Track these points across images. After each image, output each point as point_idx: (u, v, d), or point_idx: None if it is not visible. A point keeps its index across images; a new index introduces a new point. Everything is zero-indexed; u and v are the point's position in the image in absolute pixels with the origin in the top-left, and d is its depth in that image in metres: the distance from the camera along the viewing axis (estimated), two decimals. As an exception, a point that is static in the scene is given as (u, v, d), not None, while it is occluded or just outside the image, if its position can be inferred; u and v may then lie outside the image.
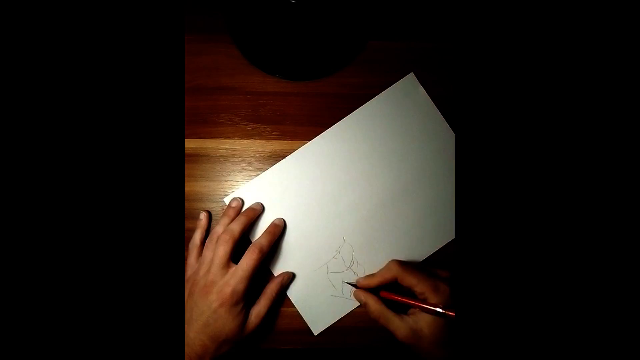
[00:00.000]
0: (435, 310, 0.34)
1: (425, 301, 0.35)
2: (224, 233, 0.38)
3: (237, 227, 0.39)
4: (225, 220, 0.40)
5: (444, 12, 0.45)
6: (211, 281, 0.36)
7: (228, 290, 0.36)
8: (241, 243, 0.39)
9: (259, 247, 0.38)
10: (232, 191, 0.43)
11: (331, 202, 0.42)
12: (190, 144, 0.43)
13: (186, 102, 0.43)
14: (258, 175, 0.43)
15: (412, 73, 0.44)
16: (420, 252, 0.42)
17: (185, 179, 0.43)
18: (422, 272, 0.37)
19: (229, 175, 0.43)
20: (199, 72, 0.44)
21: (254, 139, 0.43)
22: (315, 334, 0.42)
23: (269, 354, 0.42)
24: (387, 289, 0.39)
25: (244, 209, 0.42)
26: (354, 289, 0.40)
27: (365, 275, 0.41)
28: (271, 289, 0.40)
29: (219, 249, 0.37)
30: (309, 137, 0.43)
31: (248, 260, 0.37)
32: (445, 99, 0.44)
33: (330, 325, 0.42)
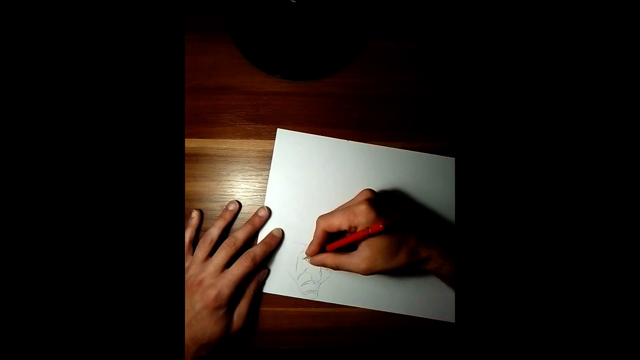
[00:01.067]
0: (366, 234, 0.34)
1: (355, 230, 0.35)
2: (229, 239, 0.39)
3: (242, 235, 0.39)
4: (220, 223, 0.40)
5: (444, 13, 0.45)
6: (199, 280, 0.36)
7: (213, 292, 0.35)
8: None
9: (252, 257, 0.38)
10: (232, 191, 0.43)
11: (343, 200, 0.42)
12: (190, 144, 0.43)
13: (186, 102, 0.43)
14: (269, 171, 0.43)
15: (454, 159, 0.43)
16: (386, 306, 0.42)
17: (185, 179, 0.43)
18: (339, 210, 0.37)
19: (229, 175, 0.43)
20: (199, 72, 0.44)
21: (254, 139, 0.43)
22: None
23: (269, 354, 0.42)
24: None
25: (260, 213, 0.41)
26: (310, 266, 0.40)
27: (306, 247, 0.40)
28: (250, 289, 0.39)
29: (220, 252, 0.38)
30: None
31: (239, 267, 0.37)
32: (445, 99, 0.44)
33: (330, 326, 0.42)
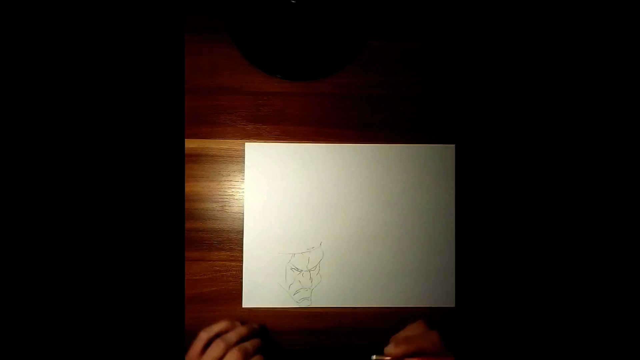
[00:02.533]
0: None
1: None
2: (240, 349, 0.36)
3: (251, 348, 0.37)
4: (242, 331, 0.38)
5: (444, 13, 0.45)
6: None
7: None
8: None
9: (244, 350, 0.36)
10: (232, 191, 0.43)
11: (329, 206, 0.42)
12: (190, 144, 0.43)
13: (186, 102, 0.43)
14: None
15: (454, 145, 0.43)
16: (382, 301, 0.42)
17: (185, 179, 0.43)
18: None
19: (229, 175, 0.43)
20: (199, 72, 0.44)
21: (254, 139, 0.43)
22: (243, 306, 0.41)
23: (269, 354, 0.42)
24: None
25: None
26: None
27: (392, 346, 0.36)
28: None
29: (213, 351, 0.36)
30: (308, 137, 0.43)
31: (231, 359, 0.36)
32: (445, 99, 0.44)
33: (330, 325, 0.42)
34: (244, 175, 0.43)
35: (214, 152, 0.43)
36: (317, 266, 0.42)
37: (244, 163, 0.43)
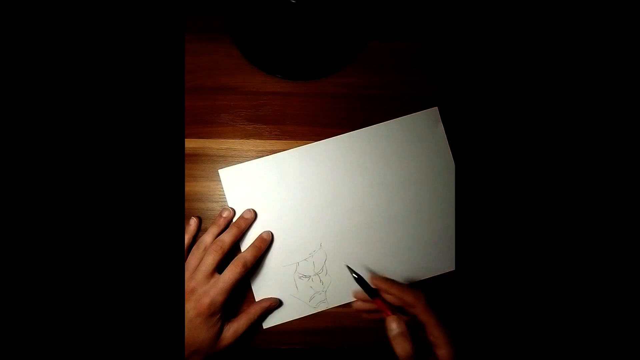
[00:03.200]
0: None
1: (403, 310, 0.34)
2: (215, 243, 0.38)
3: (228, 238, 0.39)
4: (214, 230, 0.40)
5: (444, 12, 0.45)
6: (192, 288, 0.36)
7: (206, 300, 0.35)
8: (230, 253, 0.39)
9: (243, 262, 0.38)
10: (227, 202, 0.43)
11: (319, 206, 0.42)
12: (190, 144, 0.43)
13: (186, 102, 0.43)
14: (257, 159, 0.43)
15: (436, 108, 0.43)
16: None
17: (185, 179, 0.43)
18: (439, 319, 0.33)
19: (229, 175, 0.43)
20: (199, 72, 0.44)
21: (254, 139, 0.43)
22: (265, 327, 0.41)
23: (269, 354, 0.42)
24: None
25: (236, 217, 0.41)
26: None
27: (380, 278, 0.38)
28: (255, 310, 0.39)
29: (207, 258, 0.37)
30: (308, 137, 0.43)
31: (231, 273, 0.37)
32: (446, 99, 0.44)
33: (330, 325, 0.42)
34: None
35: (214, 152, 0.43)
36: (324, 268, 0.42)
37: (272, 149, 0.43)
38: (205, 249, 0.39)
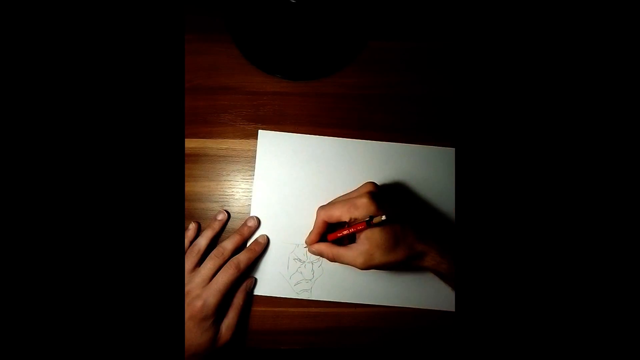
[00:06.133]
0: (367, 225, 0.34)
1: (356, 222, 0.35)
2: (217, 249, 0.38)
3: (230, 245, 0.39)
4: (209, 233, 0.40)
5: (444, 13, 0.45)
6: (186, 291, 0.36)
7: (199, 303, 0.35)
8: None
9: (236, 264, 0.38)
10: (232, 191, 0.43)
11: (333, 196, 0.42)
12: (190, 144, 0.43)
13: (186, 102, 0.43)
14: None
15: (454, 149, 0.43)
16: (383, 299, 0.42)
17: (185, 179, 0.43)
18: (340, 201, 0.36)
19: (229, 175, 0.43)
20: (199, 72, 0.44)
21: (254, 139, 0.43)
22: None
23: (269, 354, 0.42)
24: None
25: (231, 220, 0.41)
26: (308, 252, 0.41)
27: (306, 238, 0.40)
28: (238, 299, 0.39)
29: (208, 262, 0.37)
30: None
31: (224, 275, 0.37)
32: (446, 99, 0.44)
33: (330, 325, 0.42)
34: (245, 175, 0.43)
35: (214, 152, 0.43)
36: (320, 259, 0.42)
37: (255, 150, 0.43)
38: (199, 252, 0.38)
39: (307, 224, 0.41)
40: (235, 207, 0.43)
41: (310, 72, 0.44)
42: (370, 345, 0.42)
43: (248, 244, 0.41)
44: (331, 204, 0.37)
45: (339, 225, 0.37)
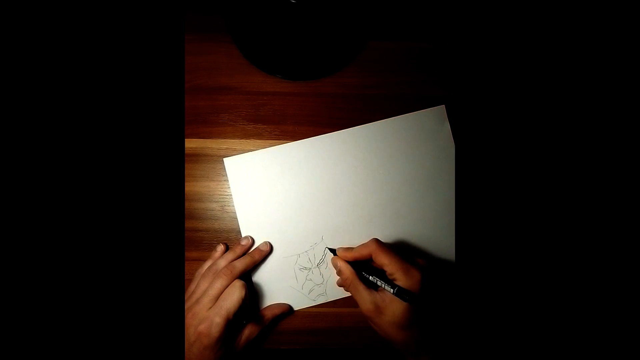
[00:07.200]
0: (395, 292, 0.34)
1: (391, 278, 0.35)
2: (226, 268, 0.38)
3: (240, 265, 0.39)
4: (230, 256, 0.40)
5: (445, 13, 0.45)
6: (195, 312, 0.36)
7: (205, 326, 0.35)
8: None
9: (230, 270, 0.37)
10: (232, 191, 0.43)
11: (322, 199, 0.42)
12: (190, 144, 0.43)
13: (186, 102, 0.43)
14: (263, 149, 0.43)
15: (443, 106, 0.43)
16: None
17: (185, 179, 0.43)
18: (397, 255, 0.36)
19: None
20: (199, 72, 0.44)
21: (254, 139, 0.43)
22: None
23: (269, 354, 0.42)
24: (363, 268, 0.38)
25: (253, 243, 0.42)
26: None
27: (343, 248, 0.40)
28: (267, 316, 0.40)
29: (216, 282, 0.37)
30: (308, 136, 0.43)
31: (219, 283, 0.37)
32: (445, 99, 0.44)
33: (330, 325, 0.42)
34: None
35: (214, 152, 0.43)
36: (324, 260, 0.42)
37: (255, 150, 0.43)
38: (216, 273, 0.38)
39: (301, 231, 0.41)
40: (235, 207, 0.43)
41: (310, 72, 0.44)
42: (370, 345, 0.42)
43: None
44: (388, 249, 0.36)
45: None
